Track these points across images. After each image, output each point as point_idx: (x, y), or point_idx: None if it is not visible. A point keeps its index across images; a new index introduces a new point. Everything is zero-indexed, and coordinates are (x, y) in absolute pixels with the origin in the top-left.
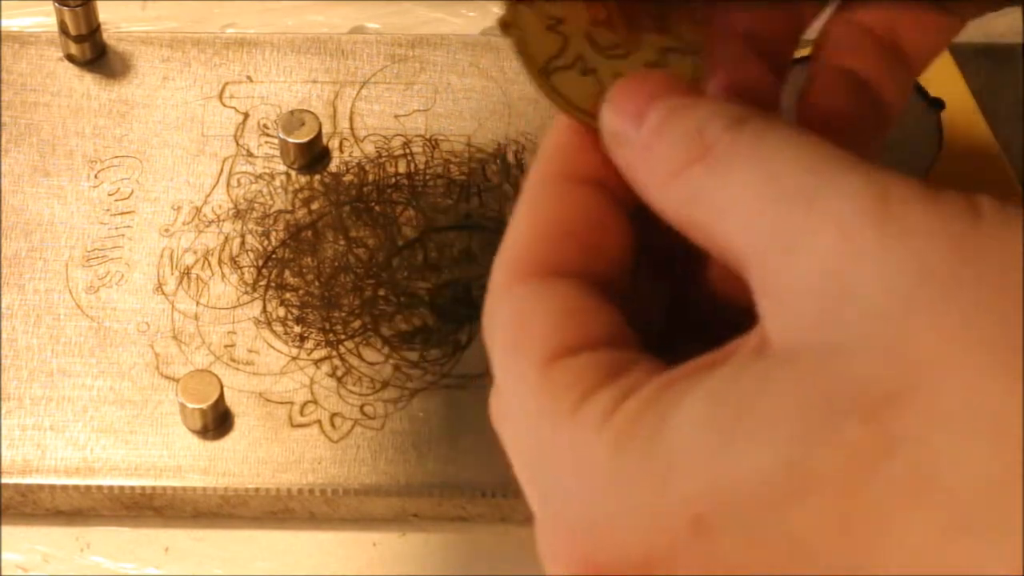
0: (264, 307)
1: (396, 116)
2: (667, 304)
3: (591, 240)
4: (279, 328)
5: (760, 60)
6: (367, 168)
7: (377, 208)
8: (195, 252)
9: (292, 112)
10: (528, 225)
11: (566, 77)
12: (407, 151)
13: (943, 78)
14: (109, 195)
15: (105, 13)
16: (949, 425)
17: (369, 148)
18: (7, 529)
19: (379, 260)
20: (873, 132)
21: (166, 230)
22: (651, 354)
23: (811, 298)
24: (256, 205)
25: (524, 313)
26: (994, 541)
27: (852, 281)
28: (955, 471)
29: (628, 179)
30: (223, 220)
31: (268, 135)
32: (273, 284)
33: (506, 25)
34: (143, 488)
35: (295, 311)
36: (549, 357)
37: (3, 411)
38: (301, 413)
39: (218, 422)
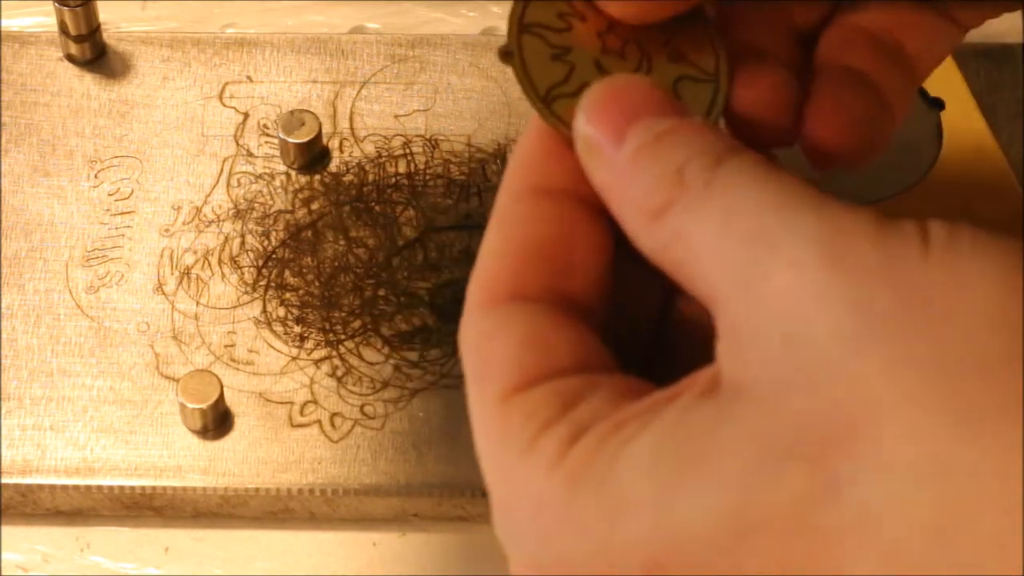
0: (264, 307)
1: (396, 116)
2: (659, 301)
3: (561, 258)
4: (279, 328)
5: (777, 68)
6: (367, 168)
7: (377, 208)
8: (195, 252)
9: (292, 112)
10: (496, 246)
11: (570, 104)
12: (407, 151)
13: (943, 78)
14: (109, 195)
15: (105, 13)
16: (892, 470)
17: (369, 148)
18: (7, 529)
19: (379, 260)
20: (880, 133)
21: (166, 230)
22: (637, 355)
23: (763, 340)
24: (256, 205)
25: (487, 342)
26: None
27: (801, 323)
28: (899, 516)
29: (602, 198)
30: (223, 220)
31: (268, 135)
32: (273, 284)
33: (507, 54)
34: (143, 488)
35: (295, 311)
36: (508, 391)
37: (3, 411)
38: (301, 413)
39: (218, 422)
